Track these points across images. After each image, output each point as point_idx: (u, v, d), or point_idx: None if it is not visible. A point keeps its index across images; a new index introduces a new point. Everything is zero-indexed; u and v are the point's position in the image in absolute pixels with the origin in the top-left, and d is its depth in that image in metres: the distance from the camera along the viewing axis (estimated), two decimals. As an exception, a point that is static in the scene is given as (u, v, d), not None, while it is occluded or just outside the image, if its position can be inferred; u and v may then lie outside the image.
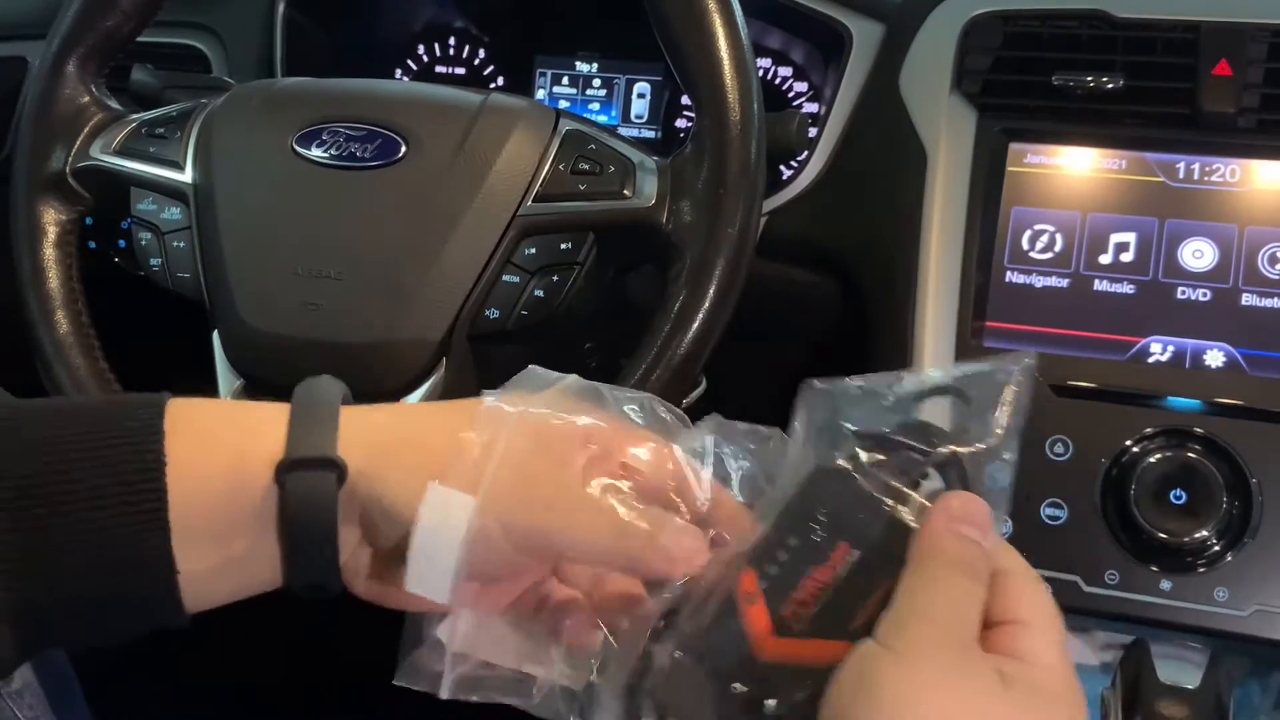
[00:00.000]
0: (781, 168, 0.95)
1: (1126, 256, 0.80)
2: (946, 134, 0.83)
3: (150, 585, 0.44)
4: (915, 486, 0.45)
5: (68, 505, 0.42)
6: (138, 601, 0.44)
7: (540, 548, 0.45)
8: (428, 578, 0.44)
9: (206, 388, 0.76)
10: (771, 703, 0.43)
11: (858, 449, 0.45)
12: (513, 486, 0.45)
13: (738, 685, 0.43)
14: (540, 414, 0.47)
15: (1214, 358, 0.77)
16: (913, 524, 0.44)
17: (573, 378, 0.51)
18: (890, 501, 0.44)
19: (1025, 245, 0.81)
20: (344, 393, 0.47)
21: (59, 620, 0.44)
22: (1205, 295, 0.78)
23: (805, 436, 0.47)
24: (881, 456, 0.45)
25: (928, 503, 0.44)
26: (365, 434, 0.45)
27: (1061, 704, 0.42)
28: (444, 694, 0.47)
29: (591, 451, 0.46)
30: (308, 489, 0.44)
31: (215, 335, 0.76)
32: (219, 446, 0.45)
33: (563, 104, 1.10)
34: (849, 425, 0.46)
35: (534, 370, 0.52)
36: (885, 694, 0.39)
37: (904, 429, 0.46)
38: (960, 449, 0.45)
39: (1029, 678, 0.41)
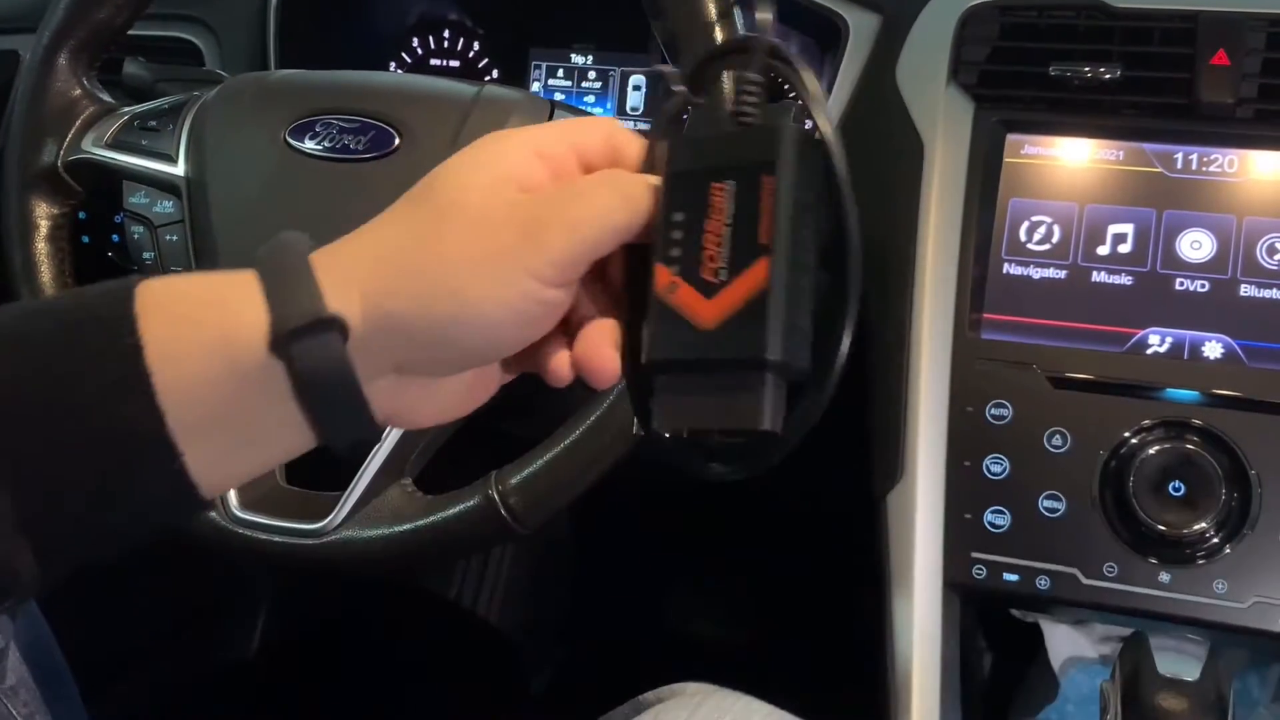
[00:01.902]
0: (778, 160, 0.95)
1: (1124, 248, 0.80)
2: (943, 125, 0.83)
3: (155, 477, 0.41)
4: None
5: (48, 408, 0.40)
6: (147, 496, 0.42)
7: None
8: None
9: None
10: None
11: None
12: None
13: (701, 355, 0.43)
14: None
15: (1212, 349, 0.77)
16: (759, 122, 0.44)
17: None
18: (740, 113, 0.45)
19: (1023, 237, 0.81)
20: (306, 242, 0.45)
21: (71, 530, 0.42)
22: (1203, 286, 0.78)
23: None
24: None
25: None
26: (349, 274, 0.43)
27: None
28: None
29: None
30: (314, 358, 0.41)
31: (209, 329, 0.75)
32: (200, 324, 0.42)
33: (558, 96, 1.09)
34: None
35: None
36: None
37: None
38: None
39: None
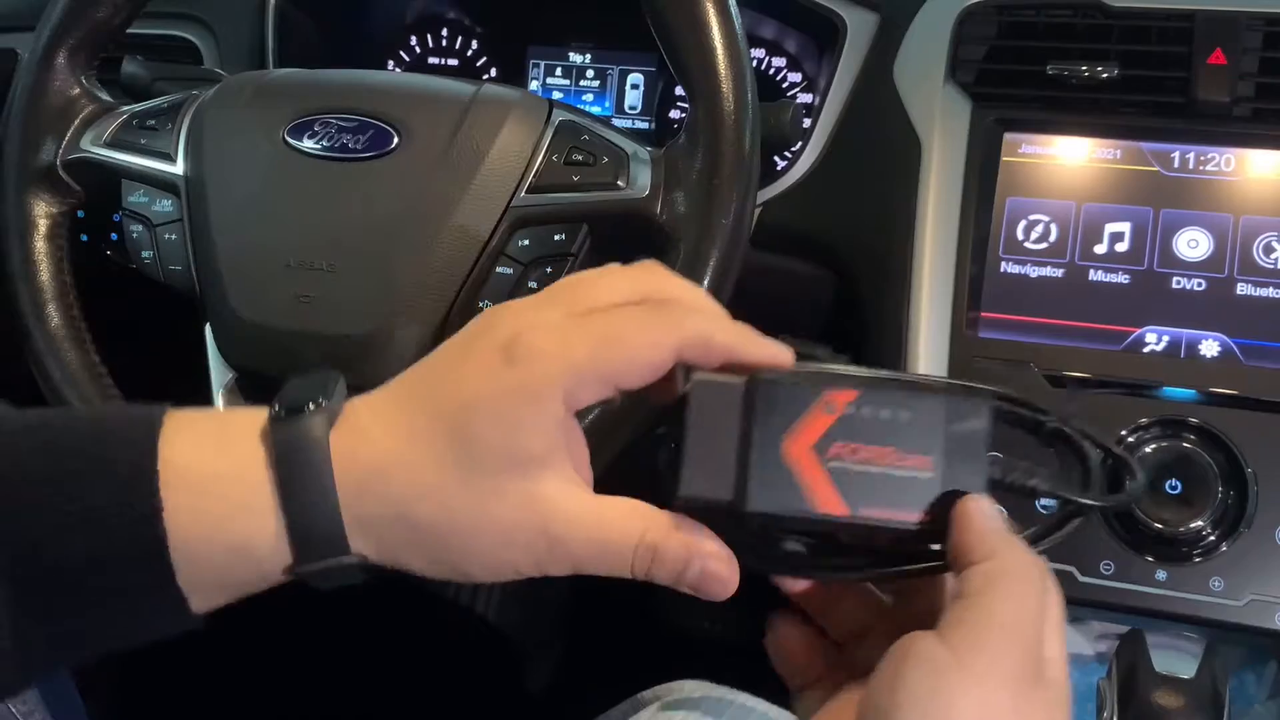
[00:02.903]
0: (776, 158, 0.95)
1: (1121, 246, 0.80)
2: (941, 124, 0.83)
3: (158, 614, 0.44)
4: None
5: (61, 540, 0.42)
6: (147, 626, 0.45)
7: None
8: None
9: (199, 381, 0.76)
10: (751, 494, 0.43)
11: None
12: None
13: (747, 448, 0.43)
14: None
15: (1209, 347, 0.77)
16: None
17: None
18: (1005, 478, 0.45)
19: (1020, 235, 0.81)
20: (330, 416, 0.44)
21: (62, 648, 0.45)
22: (1200, 285, 0.78)
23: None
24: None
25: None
26: (375, 527, 0.44)
27: (1066, 692, 0.42)
28: None
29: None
30: (331, 576, 0.44)
31: (207, 328, 0.75)
32: (219, 528, 0.43)
33: (556, 95, 1.09)
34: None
35: None
36: (958, 715, 0.39)
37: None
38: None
39: (1054, 676, 0.42)
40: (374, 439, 0.44)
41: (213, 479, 0.43)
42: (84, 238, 0.90)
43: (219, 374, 0.76)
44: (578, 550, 0.44)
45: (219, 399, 0.75)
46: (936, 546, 0.44)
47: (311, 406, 0.44)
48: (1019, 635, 0.41)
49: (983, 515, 0.43)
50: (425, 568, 0.45)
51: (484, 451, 0.43)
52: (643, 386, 0.45)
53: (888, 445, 0.43)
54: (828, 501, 0.43)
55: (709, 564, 0.44)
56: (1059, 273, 0.80)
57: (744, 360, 0.45)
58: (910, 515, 0.43)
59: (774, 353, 0.45)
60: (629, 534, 0.44)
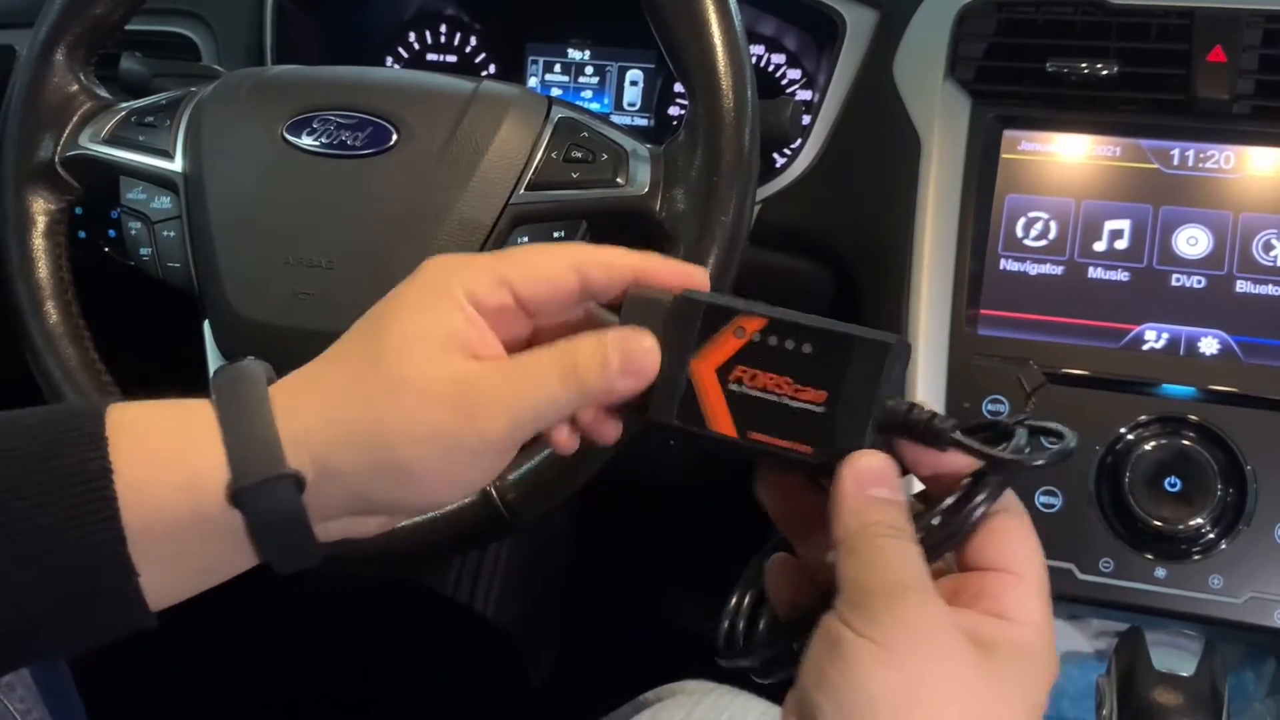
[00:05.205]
0: (775, 156, 0.95)
1: (1121, 244, 0.80)
2: (940, 121, 0.83)
3: (112, 594, 0.44)
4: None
5: (15, 523, 0.42)
6: (101, 611, 0.44)
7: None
8: None
9: (197, 378, 0.76)
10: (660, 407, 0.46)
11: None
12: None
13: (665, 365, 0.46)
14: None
15: (1208, 345, 0.77)
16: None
17: None
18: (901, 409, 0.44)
19: (1019, 233, 0.81)
20: (268, 376, 0.46)
21: (24, 640, 0.44)
22: (1200, 282, 0.78)
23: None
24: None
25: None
26: (305, 432, 0.44)
27: (1043, 665, 0.41)
28: None
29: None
30: (269, 508, 0.44)
31: (206, 325, 0.75)
32: (166, 465, 0.44)
33: (555, 92, 1.09)
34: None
35: None
36: (879, 698, 0.38)
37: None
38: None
39: (1014, 640, 0.40)
40: (305, 368, 0.47)
41: (157, 422, 0.45)
42: (82, 235, 0.90)
43: (217, 371, 0.75)
44: (501, 384, 0.44)
45: (217, 396, 0.75)
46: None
47: (250, 359, 0.47)
48: (902, 581, 0.40)
49: (854, 480, 0.42)
50: (358, 470, 0.44)
51: (392, 339, 0.45)
52: (550, 305, 0.46)
53: (786, 375, 0.45)
54: (720, 422, 0.45)
55: (624, 341, 0.45)
56: (1058, 270, 0.80)
57: (654, 280, 0.47)
58: (800, 446, 0.44)
59: (687, 272, 0.47)
60: (541, 352, 0.45)
